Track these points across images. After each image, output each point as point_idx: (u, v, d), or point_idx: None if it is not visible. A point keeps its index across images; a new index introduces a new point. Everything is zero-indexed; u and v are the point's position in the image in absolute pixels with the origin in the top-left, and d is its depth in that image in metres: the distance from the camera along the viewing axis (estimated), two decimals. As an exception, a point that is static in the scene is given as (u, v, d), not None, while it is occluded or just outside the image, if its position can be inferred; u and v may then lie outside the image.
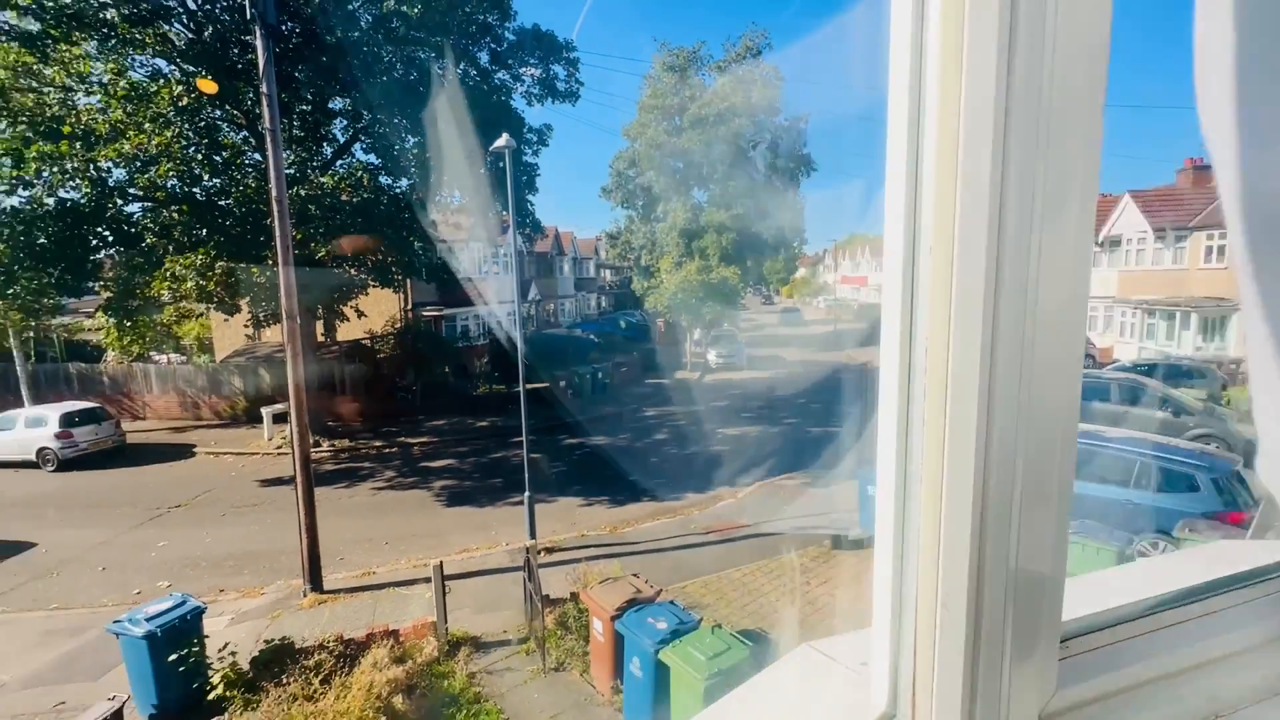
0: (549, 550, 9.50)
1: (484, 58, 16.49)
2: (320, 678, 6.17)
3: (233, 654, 6.21)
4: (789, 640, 6.80)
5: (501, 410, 19.71)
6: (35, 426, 15.32)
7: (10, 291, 11.78)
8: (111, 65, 12.63)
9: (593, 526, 10.70)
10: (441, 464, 15.18)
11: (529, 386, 10.13)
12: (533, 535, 9.43)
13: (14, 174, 11.27)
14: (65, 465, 15.04)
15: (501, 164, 10.06)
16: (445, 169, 16.36)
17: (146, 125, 11.74)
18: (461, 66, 15.25)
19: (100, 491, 13.72)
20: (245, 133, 14.15)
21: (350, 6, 13.79)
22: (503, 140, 9.55)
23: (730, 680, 4.64)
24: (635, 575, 6.56)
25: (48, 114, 11.49)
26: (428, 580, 7.36)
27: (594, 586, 6.36)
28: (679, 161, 30.57)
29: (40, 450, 15.14)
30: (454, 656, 6.76)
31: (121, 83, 12.23)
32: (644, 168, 31.16)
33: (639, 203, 33.06)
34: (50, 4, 11.35)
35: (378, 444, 16.83)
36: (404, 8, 12.60)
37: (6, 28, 11.41)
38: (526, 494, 9.47)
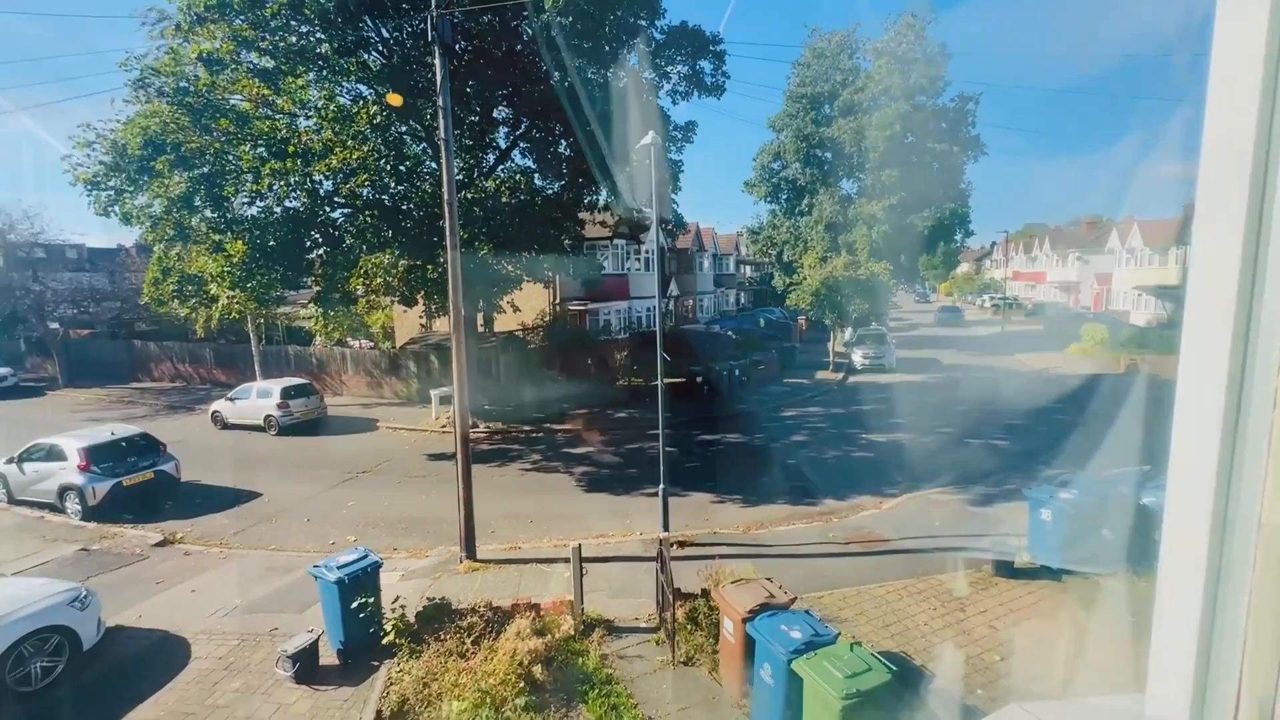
0: (681, 544, 9.57)
1: (632, 59, 16.92)
2: (471, 638, 6.77)
3: (402, 606, 7.02)
4: (948, 677, 6.21)
5: (639, 403, 20.24)
6: (263, 397, 18.55)
7: (249, 285, 14.33)
8: (325, 92, 14.78)
9: (725, 524, 10.61)
10: (582, 451, 15.94)
11: (667, 381, 10.26)
12: (666, 528, 9.57)
13: (253, 188, 13.66)
14: (283, 430, 18.03)
15: (647, 161, 10.26)
16: (593, 169, 17.07)
17: (349, 142, 13.60)
18: (610, 70, 15.77)
19: (307, 454, 16.25)
20: (424, 144, 15.84)
21: (513, 22, 14.85)
22: (648, 138, 9.71)
23: (870, 704, 4.33)
24: (769, 579, 6.38)
25: (278, 137, 13.75)
26: (567, 560, 7.74)
27: (726, 585, 6.29)
28: (827, 152, 29.13)
29: (266, 416, 18.31)
30: (588, 636, 7.05)
31: (331, 106, 14.27)
32: (789, 160, 30.11)
33: (783, 196, 32.02)
34: (282, 44, 13.54)
35: (526, 428, 18.09)
36: (560, 18, 13.29)
37: (252, 66, 13.81)
38: (661, 486, 9.61)
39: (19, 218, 28.07)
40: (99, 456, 11.78)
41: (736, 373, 22.15)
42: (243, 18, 12.65)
